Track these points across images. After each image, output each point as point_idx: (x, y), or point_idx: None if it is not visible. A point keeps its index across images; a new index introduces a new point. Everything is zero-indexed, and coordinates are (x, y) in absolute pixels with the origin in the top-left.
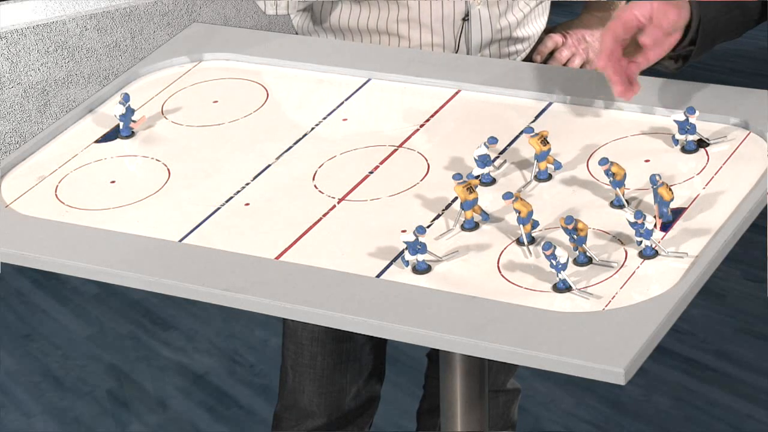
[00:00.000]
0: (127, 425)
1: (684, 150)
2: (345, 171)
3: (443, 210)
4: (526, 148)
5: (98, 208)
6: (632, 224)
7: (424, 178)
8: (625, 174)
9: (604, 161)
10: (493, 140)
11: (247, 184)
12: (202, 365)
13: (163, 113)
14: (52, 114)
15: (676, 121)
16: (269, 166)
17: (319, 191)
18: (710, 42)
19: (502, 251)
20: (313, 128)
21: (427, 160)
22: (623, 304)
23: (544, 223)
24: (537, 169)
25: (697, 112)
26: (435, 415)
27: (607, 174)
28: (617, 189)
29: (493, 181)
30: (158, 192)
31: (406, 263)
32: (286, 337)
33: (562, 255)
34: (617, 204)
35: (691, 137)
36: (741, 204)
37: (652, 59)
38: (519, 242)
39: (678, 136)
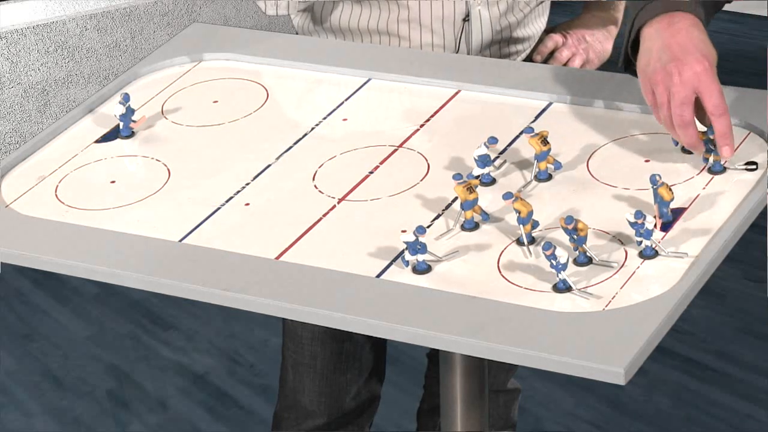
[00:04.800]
0: (127, 425)
1: (684, 150)
2: (345, 171)
3: (443, 210)
4: (526, 148)
5: (98, 208)
6: (632, 224)
7: (424, 178)
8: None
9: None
10: (493, 140)
11: (247, 184)
12: (202, 365)
13: (163, 113)
14: (52, 114)
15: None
16: (269, 166)
17: (319, 191)
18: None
19: (502, 251)
20: (313, 128)
21: (427, 160)
22: (623, 304)
23: (544, 223)
24: (537, 169)
25: None
26: (435, 415)
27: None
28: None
29: (493, 181)
30: (158, 192)
31: (406, 263)
32: (286, 337)
33: (562, 255)
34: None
35: (717, 157)
36: (741, 204)
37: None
38: (519, 242)
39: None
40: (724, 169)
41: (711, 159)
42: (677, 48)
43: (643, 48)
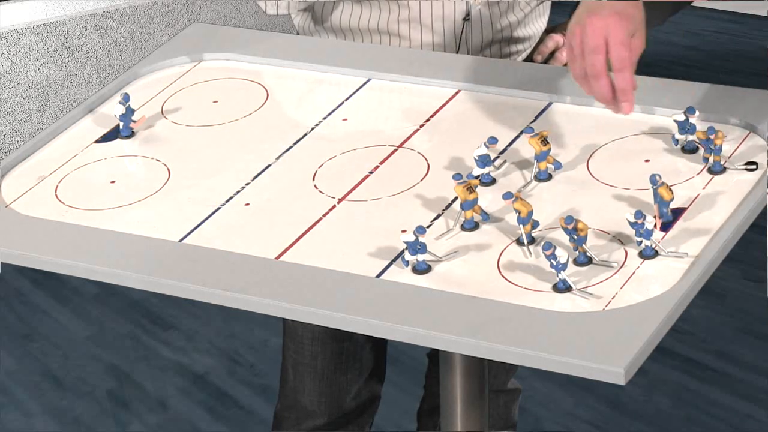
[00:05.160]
0: (127, 425)
1: (684, 150)
2: (345, 171)
3: (443, 210)
4: (526, 148)
5: (98, 208)
6: (632, 224)
7: (424, 178)
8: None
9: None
10: (493, 140)
11: (247, 184)
12: (202, 365)
13: (163, 113)
14: (52, 114)
15: (676, 121)
16: (269, 166)
17: (319, 191)
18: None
19: (502, 251)
20: (313, 128)
21: (427, 160)
22: (623, 304)
23: (544, 223)
24: (537, 169)
25: (697, 112)
26: (435, 415)
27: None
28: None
29: (493, 181)
30: (158, 192)
31: (406, 263)
32: (286, 337)
33: (562, 255)
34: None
35: (691, 137)
36: (741, 204)
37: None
38: (519, 242)
39: (678, 136)
40: (724, 169)
41: (711, 159)
42: (596, 4)
43: (574, 13)
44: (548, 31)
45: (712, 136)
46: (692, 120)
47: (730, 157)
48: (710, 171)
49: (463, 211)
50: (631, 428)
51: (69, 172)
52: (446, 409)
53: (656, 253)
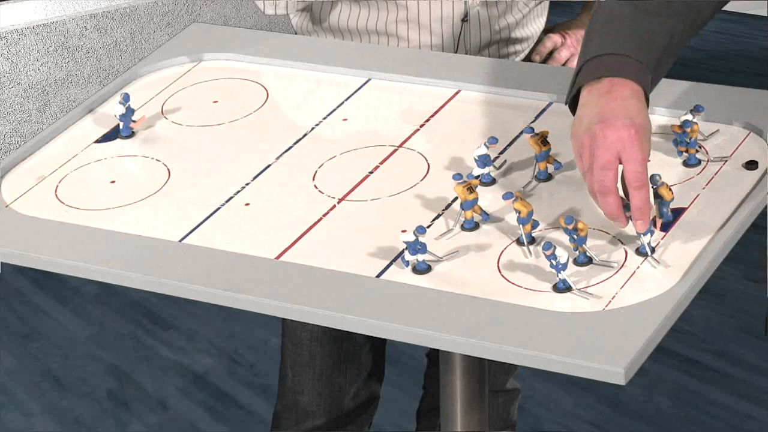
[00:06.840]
0: (127, 425)
1: (680, 152)
2: (345, 171)
3: (443, 210)
4: (526, 148)
5: (98, 208)
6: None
7: (424, 178)
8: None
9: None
10: (493, 140)
11: (247, 184)
12: (202, 365)
13: (163, 113)
14: (52, 114)
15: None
16: (269, 166)
17: (319, 191)
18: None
19: (502, 251)
20: (312, 128)
21: (427, 160)
22: (623, 304)
23: (544, 223)
24: (537, 169)
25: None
26: (435, 415)
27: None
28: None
29: (493, 181)
30: (158, 192)
31: (406, 263)
32: (285, 337)
33: (562, 255)
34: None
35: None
36: (741, 204)
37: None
38: (519, 242)
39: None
40: (699, 162)
41: (685, 153)
42: (608, 112)
43: (578, 114)
44: (546, 31)
45: (687, 129)
46: (697, 119)
47: (731, 155)
48: (686, 164)
49: (463, 211)
50: (631, 428)
51: (69, 172)
52: (446, 409)
53: (653, 250)
